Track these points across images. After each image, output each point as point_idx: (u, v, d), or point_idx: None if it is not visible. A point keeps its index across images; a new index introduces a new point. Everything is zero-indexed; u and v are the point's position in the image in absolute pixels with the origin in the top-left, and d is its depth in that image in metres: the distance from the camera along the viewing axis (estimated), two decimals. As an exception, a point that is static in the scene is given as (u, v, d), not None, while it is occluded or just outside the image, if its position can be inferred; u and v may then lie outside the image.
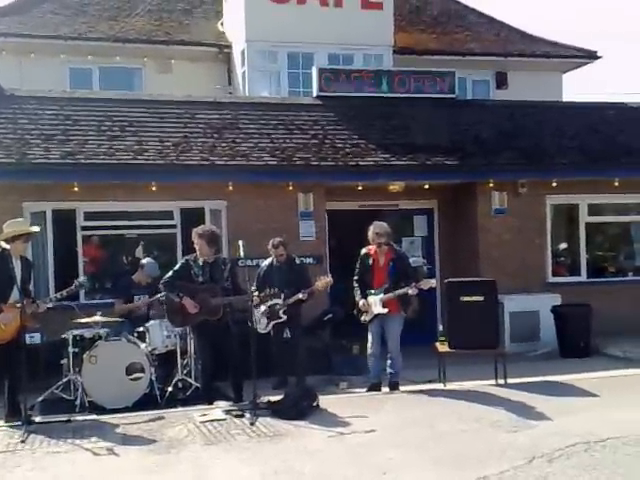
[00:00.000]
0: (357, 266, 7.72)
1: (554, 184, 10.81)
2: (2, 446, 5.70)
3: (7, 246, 6.56)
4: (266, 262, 8.31)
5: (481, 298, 7.87)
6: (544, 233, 11.08)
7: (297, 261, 8.32)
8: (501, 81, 15.84)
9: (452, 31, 16.25)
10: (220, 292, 6.97)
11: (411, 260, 9.13)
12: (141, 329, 7.68)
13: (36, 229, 7.15)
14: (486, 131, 11.39)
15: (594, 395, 7.15)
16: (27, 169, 9.07)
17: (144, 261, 8.57)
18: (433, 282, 7.70)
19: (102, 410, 6.94)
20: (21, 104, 10.16)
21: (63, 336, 7.45)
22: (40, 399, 7.16)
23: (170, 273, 7.15)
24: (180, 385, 7.57)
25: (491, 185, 10.74)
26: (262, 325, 8.00)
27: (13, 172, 9.05)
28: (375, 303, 7.44)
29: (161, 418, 6.47)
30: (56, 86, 11.84)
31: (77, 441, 5.79)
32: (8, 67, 11.52)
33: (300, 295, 7.83)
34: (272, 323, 8.00)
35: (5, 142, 9.36)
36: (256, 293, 7.24)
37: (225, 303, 6.96)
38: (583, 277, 11.38)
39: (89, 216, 9.74)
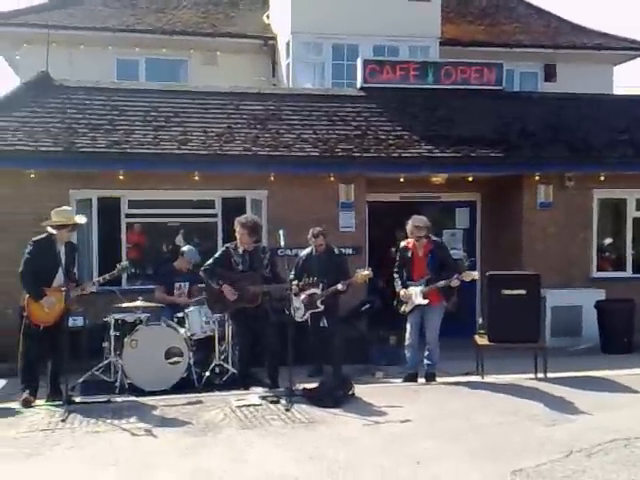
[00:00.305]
0: (397, 258, 7.70)
1: (602, 178, 10.55)
2: (43, 424, 5.85)
3: (54, 231, 6.72)
4: (305, 251, 8.31)
5: (523, 292, 7.74)
6: (590, 227, 10.82)
7: (336, 252, 8.30)
8: (550, 73, 15.53)
9: (500, 22, 16.00)
10: (259, 280, 7.02)
11: (452, 252, 9.06)
12: (180, 315, 7.79)
13: (82, 220, 7.28)
14: (533, 124, 11.17)
15: (635, 391, 6.99)
16: (74, 157, 9.28)
17: (185, 248, 8.69)
18: (475, 274, 7.60)
19: (141, 392, 7.06)
20: (70, 94, 10.39)
21: (105, 320, 7.61)
22: (81, 380, 7.34)
23: (211, 260, 7.24)
24: (217, 370, 7.65)
25: (537, 178, 10.54)
26: (299, 313, 8.01)
27: (61, 160, 9.26)
28: (416, 294, 7.39)
29: (198, 402, 6.55)
30: (104, 77, 12.09)
31: (116, 421, 5.91)
32: (58, 58, 11.75)
33: (339, 286, 7.80)
34: (309, 312, 8.00)
35: (54, 131, 9.59)
36: (295, 282, 7.27)
37: (264, 291, 7.01)
38: (628, 272, 11.10)
39: (133, 204, 9.92)
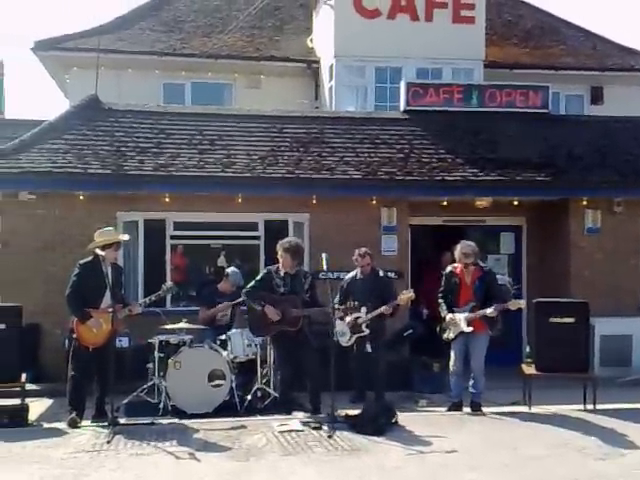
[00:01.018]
0: (442, 283, 7.60)
1: (653, 203, 10.29)
2: (89, 445, 5.90)
3: (101, 252, 6.83)
4: (350, 274, 8.27)
5: (571, 320, 7.59)
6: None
7: (381, 274, 8.22)
8: (596, 96, 15.28)
9: (546, 45, 15.84)
10: (300, 303, 7.02)
11: (496, 277, 8.91)
12: (223, 337, 7.81)
13: (126, 237, 7.42)
14: (580, 147, 10.99)
15: (691, 426, 6.72)
16: (122, 180, 9.45)
17: (229, 270, 8.74)
18: (522, 303, 7.44)
19: (184, 414, 7.08)
20: (118, 117, 10.62)
21: (150, 341, 7.68)
22: (125, 401, 7.40)
23: (252, 282, 7.28)
24: (259, 394, 7.63)
25: (584, 203, 10.33)
26: (345, 338, 7.95)
27: (109, 183, 9.45)
28: (461, 321, 7.29)
29: (241, 426, 6.54)
30: (151, 100, 12.31)
31: (160, 444, 5.93)
32: (107, 82, 12.03)
33: (383, 308, 7.72)
34: (355, 336, 7.93)
35: (102, 154, 9.80)
36: (337, 306, 7.23)
37: (304, 315, 7.00)
38: (681, 301, 10.71)
39: (178, 226, 10.04)
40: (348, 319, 7.83)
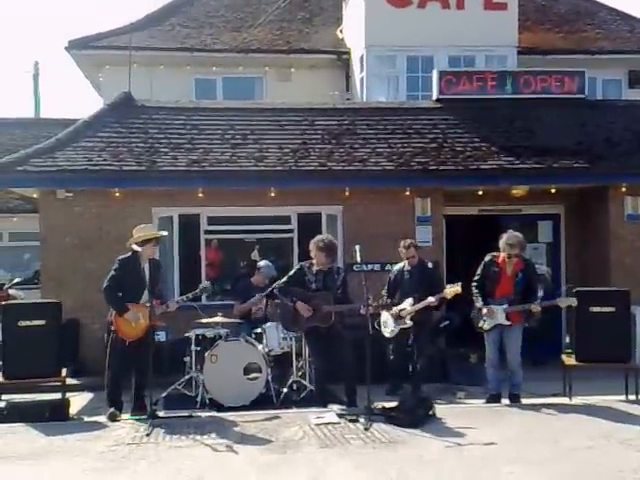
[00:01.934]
0: (478, 272, 7.44)
1: (693, 188, 10.01)
2: (129, 438, 5.97)
3: (138, 249, 6.90)
4: (397, 267, 8.17)
5: (612, 309, 7.42)
6: (681, 240, 10.27)
7: (430, 266, 8.12)
8: (635, 80, 14.90)
9: (581, 29, 15.50)
10: (332, 300, 7.00)
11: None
12: (258, 330, 7.83)
13: (164, 233, 7.52)
14: (618, 132, 10.75)
15: None
16: (157, 176, 9.54)
17: (261, 263, 8.76)
18: (574, 300, 7.25)
19: (221, 407, 7.13)
20: (151, 114, 10.71)
21: (186, 335, 7.75)
22: (164, 394, 7.48)
23: (284, 278, 7.28)
24: (295, 387, 7.65)
25: (624, 189, 10.11)
26: (388, 329, 7.87)
27: (143, 179, 9.55)
28: (498, 312, 7.17)
29: (277, 418, 6.55)
30: (183, 96, 12.41)
31: (198, 437, 5.97)
32: (139, 79, 12.14)
33: (428, 300, 7.59)
34: (398, 327, 7.83)
35: (136, 150, 9.89)
36: (370, 301, 7.10)
37: (337, 311, 6.98)
38: None
39: (212, 220, 10.10)
40: (394, 310, 7.74)
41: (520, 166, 9.96)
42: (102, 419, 6.71)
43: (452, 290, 7.44)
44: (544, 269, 10.61)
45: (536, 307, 7.03)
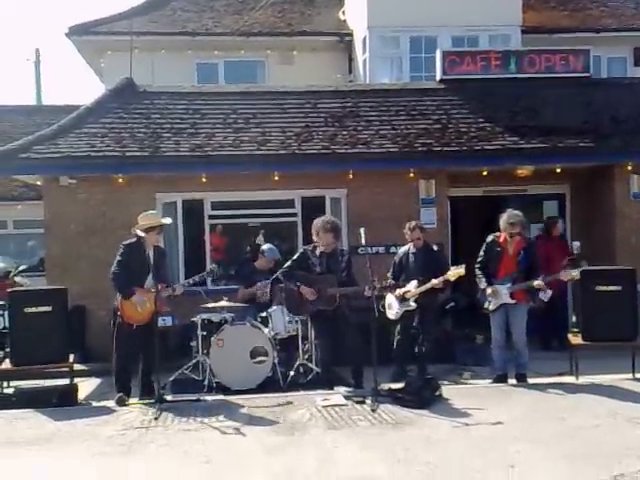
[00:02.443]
0: (481, 253, 7.44)
1: (699, 166, 9.94)
2: (137, 423, 6.01)
3: (143, 234, 6.90)
4: (403, 249, 8.10)
5: (618, 288, 7.41)
6: (687, 218, 10.21)
7: (435, 248, 8.08)
8: (639, 58, 14.76)
9: (585, 7, 15.35)
10: (336, 283, 6.99)
11: (541, 247, 8.73)
12: (264, 314, 7.84)
13: (168, 221, 7.50)
14: (623, 111, 10.65)
15: None
16: (160, 162, 9.52)
17: (264, 247, 8.74)
18: (576, 274, 7.25)
19: (228, 391, 7.16)
20: (153, 99, 10.66)
21: (193, 320, 7.76)
22: (171, 379, 7.52)
23: (289, 263, 7.28)
24: (301, 370, 7.66)
25: (629, 168, 10.04)
26: (392, 311, 7.85)
27: (147, 164, 9.52)
28: (502, 291, 7.16)
29: (285, 401, 6.57)
30: (184, 81, 12.36)
31: (206, 420, 6.01)
32: (141, 64, 12.09)
33: (433, 282, 7.55)
34: (403, 309, 7.81)
35: (139, 136, 9.87)
36: (376, 283, 7.07)
37: (341, 294, 6.98)
38: None
39: (216, 205, 10.09)
40: (397, 292, 7.73)
41: (525, 146, 9.89)
42: (110, 404, 6.75)
43: (456, 272, 7.40)
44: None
45: (539, 283, 7.00)
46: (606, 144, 9.98)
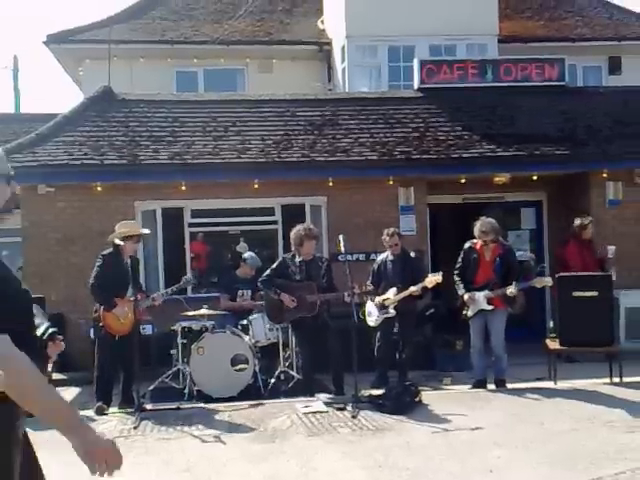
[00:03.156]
0: (459, 260, 7.52)
1: (674, 173, 10.11)
2: (116, 432, 5.96)
3: (120, 242, 6.87)
4: (381, 257, 8.14)
5: (595, 293, 7.50)
6: (662, 224, 10.39)
7: (412, 255, 8.13)
8: (614, 67, 15.02)
9: (561, 17, 15.59)
10: (316, 290, 7.02)
11: (518, 254, 8.84)
12: (244, 322, 7.84)
13: (146, 231, 7.47)
14: (599, 119, 10.82)
15: None
16: (138, 170, 9.49)
17: (246, 255, 8.74)
18: (549, 280, 7.35)
19: (209, 399, 7.14)
20: (132, 107, 10.63)
21: (173, 328, 7.73)
22: (151, 387, 7.47)
23: (268, 271, 7.31)
24: (282, 377, 7.67)
25: (605, 175, 10.18)
26: (372, 318, 7.89)
27: (125, 173, 9.49)
28: (480, 298, 7.23)
29: (265, 408, 6.57)
30: (164, 89, 12.33)
31: (186, 428, 5.99)
32: (119, 72, 12.07)
33: (411, 289, 7.61)
34: (382, 317, 7.86)
35: (117, 144, 9.83)
36: (356, 290, 7.11)
37: (321, 300, 7.00)
38: None
39: (195, 213, 10.07)
40: (377, 299, 7.77)
41: (502, 154, 10.00)
42: (90, 413, 6.69)
43: (433, 279, 7.47)
44: (528, 255, 10.70)
45: (512, 290, 7.07)
46: (582, 152, 10.13)
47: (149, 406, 6.74)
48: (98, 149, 9.66)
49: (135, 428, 6.00)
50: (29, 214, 9.57)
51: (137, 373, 6.38)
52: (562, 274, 7.94)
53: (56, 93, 44.27)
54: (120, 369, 6.94)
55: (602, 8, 16.01)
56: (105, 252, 6.98)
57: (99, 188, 9.48)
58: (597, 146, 10.25)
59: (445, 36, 13.39)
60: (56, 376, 7.70)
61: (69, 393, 8.07)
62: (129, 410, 6.51)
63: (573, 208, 10.66)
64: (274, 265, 7.36)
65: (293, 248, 7.25)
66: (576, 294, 7.52)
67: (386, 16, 13.10)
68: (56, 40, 13.86)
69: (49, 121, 10.18)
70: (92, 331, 7.36)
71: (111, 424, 6.24)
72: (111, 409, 6.76)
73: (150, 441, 5.69)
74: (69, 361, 8.84)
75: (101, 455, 2.16)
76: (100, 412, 6.62)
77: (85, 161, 9.43)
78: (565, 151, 10.09)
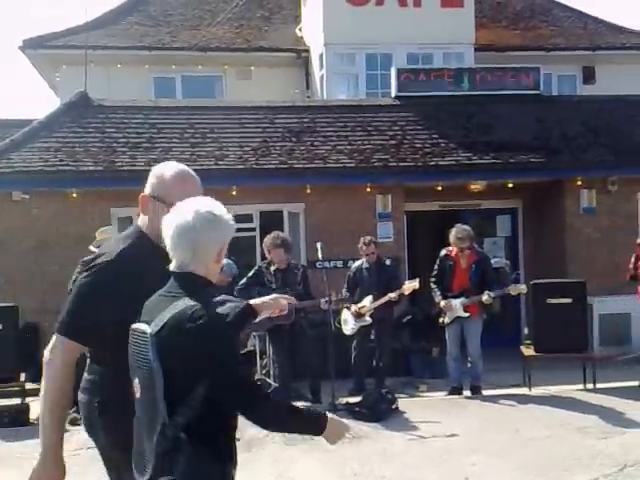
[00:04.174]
0: (435, 267, 7.58)
1: (647, 181, 10.28)
2: (90, 442, 5.87)
3: (95, 250, 6.80)
4: (356, 264, 8.14)
5: (569, 300, 7.61)
6: (636, 232, 10.52)
7: (387, 262, 8.16)
8: (588, 76, 15.22)
9: (536, 26, 15.77)
10: (293, 298, 6.99)
11: (494, 261, 8.92)
12: (222, 330, 7.78)
13: None
14: (573, 127, 10.96)
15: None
16: (115, 176, 9.41)
17: (223, 262, 8.66)
18: (524, 288, 7.43)
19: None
20: (108, 114, 10.56)
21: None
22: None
23: (244, 280, 7.30)
24: (259, 385, 7.62)
25: (579, 183, 10.32)
26: (348, 326, 7.89)
27: (102, 179, 9.42)
28: (456, 305, 7.29)
29: (241, 417, 6.52)
30: (141, 95, 12.26)
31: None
32: (97, 78, 11.96)
33: (388, 296, 7.62)
34: (358, 325, 7.87)
35: (93, 150, 9.75)
36: (332, 297, 7.12)
37: (297, 308, 7.00)
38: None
39: (173, 220, 9.99)
40: (353, 308, 7.77)
41: (478, 162, 10.09)
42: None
43: (410, 286, 7.51)
44: (503, 262, 10.80)
45: (487, 297, 7.13)
46: (556, 160, 10.26)
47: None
48: (74, 155, 9.58)
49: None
50: (3, 221, 9.45)
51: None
52: (537, 281, 8.02)
53: (32, 99, 43.87)
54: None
55: (576, 18, 16.23)
56: (85, 259, 6.89)
57: (75, 195, 9.39)
58: (571, 154, 10.39)
59: (422, 45, 13.49)
60: (30, 386, 7.58)
61: (43, 402, 7.96)
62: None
63: (548, 215, 10.80)
64: (250, 273, 7.37)
65: (267, 256, 7.26)
66: (550, 301, 7.60)
67: (364, 24, 13.16)
68: (32, 45, 13.73)
69: (24, 127, 10.08)
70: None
71: (85, 435, 6.14)
72: (86, 419, 6.67)
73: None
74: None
75: None
76: (74, 422, 6.52)
77: (61, 167, 9.35)
78: (540, 159, 10.21)
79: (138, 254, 2.45)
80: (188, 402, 2.05)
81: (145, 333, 2.08)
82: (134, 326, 2.19)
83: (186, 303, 2.08)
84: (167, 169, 2.63)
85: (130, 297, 2.28)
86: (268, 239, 7.21)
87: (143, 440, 2.16)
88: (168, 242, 2.21)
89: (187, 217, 2.20)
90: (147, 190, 2.59)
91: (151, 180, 2.60)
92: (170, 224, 2.21)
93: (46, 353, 2.43)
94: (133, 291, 2.29)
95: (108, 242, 2.45)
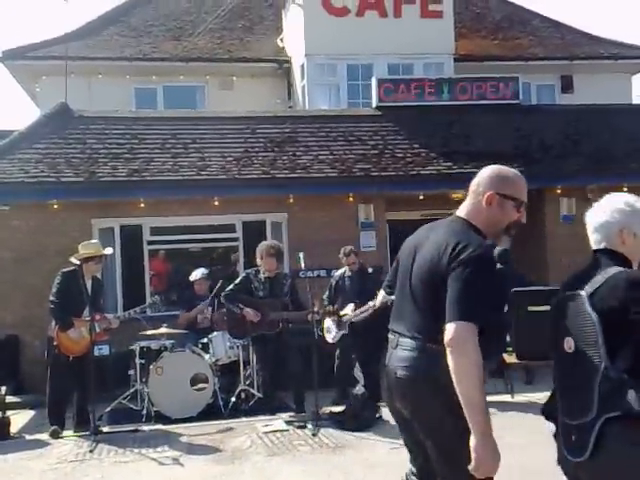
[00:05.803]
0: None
1: (625, 189, 10.40)
2: (71, 456, 5.85)
3: (77, 262, 6.76)
4: (339, 272, 8.16)
5: (549, 307, 7.62)
6: (615, 239, 10.66)
7: (370, 271, 8.17)
8: (567, 85, 15.45)
9: (515, 36, 15.98)
10: (279, 307, 7.01)
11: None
12: (204, 340, 7.77)
13: (108, 252, 7.35)
14: (552, 136, 11.10)
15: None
16: (96, 187, 9.40)
17: (197, 274, 8.59)
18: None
19: (167, 420, 7.04)
20: (89, 124, 10.53)
21: (131, 348, 7.62)
22: (108, 409, 7.35)
23: (231, 286, 7.27)
24: (243, 395, 7.61)
25: (559, 192, 10.45)
26: (332, 335, 7.88)
27: (83, 190, 9.39)
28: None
29: (225, 429, 6.51)
30: (122, 106, 12.24)
31: (143, 451, 5.90)
32: (77, 89, 11.94)
33: (371, 303, 7.60)
34: (340, 333, 7.87)
35: (74, 161, 9.71)
36: (316, 308, 7.14)
37: (284, 318, 7.00)
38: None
39: (155, 231, 9.99)
40: (334, 317, 7.76)
41: (458, 171, 10.18)
42: (44, 437, 6.54)
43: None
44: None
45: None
46: (536, 169, 10.36)
47: (106, 428, 6.64)
48: (55, 166, 9.54)
49: (91, 452, 5.89)
50: (-17, 233, 9.37)
51: (92, 394, 6.27)
52: (517, 289, 8.06)
53: (12, 110, 43.53)
54: (75, 390, 6.80)
55: (554, 29, 16.47)
56: (65, 270, 6.86)
57: (55, 206, 9.34)
58: (551, 163, 10.51)
59: (403, 55, 13.61)
60: (10, 399, 7.52)
61: (24, 416, 7.89)
62: (85, 433, 6.38)
63: (528, 224, 10.88)
64: (237, 280, 7.34)
65: (258, 263, 7.23)
66: (531, 309, 7.64)
67: (344, 35, 13.26)
68: (12, 56, 13.66)
69: (4, 138, 10.02)
70: (46, 352, 7.21)
71: (66, 448, 6.12)
72: (67, 432, 6.62)
73: (106, 465, 5.59)
74: (24, 384, 8.68)
75: None
76: (55, 435, 6.48)
77: (41, 179, 9.30)
78: (519, 168, 10.14)
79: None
80: (627, 347, 2.36)
81: (581, 295, 2.47)
82: (563, 295, 2.65)
83: (615, 269, 2.48)
84: (508, 171, 2.93)
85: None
86: (263, 246, 7.18)
87: (573, 390, 2.48)
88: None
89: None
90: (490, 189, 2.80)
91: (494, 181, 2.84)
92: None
93: (450, 338, 2.47)
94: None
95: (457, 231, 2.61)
